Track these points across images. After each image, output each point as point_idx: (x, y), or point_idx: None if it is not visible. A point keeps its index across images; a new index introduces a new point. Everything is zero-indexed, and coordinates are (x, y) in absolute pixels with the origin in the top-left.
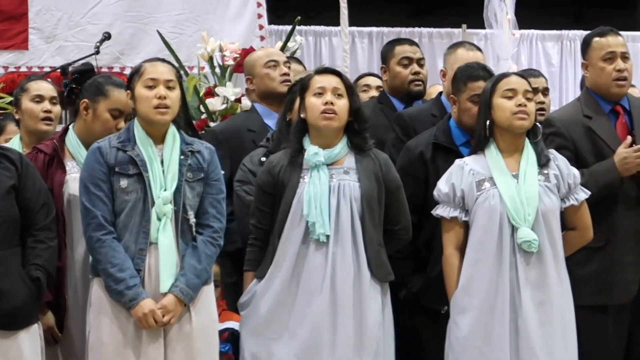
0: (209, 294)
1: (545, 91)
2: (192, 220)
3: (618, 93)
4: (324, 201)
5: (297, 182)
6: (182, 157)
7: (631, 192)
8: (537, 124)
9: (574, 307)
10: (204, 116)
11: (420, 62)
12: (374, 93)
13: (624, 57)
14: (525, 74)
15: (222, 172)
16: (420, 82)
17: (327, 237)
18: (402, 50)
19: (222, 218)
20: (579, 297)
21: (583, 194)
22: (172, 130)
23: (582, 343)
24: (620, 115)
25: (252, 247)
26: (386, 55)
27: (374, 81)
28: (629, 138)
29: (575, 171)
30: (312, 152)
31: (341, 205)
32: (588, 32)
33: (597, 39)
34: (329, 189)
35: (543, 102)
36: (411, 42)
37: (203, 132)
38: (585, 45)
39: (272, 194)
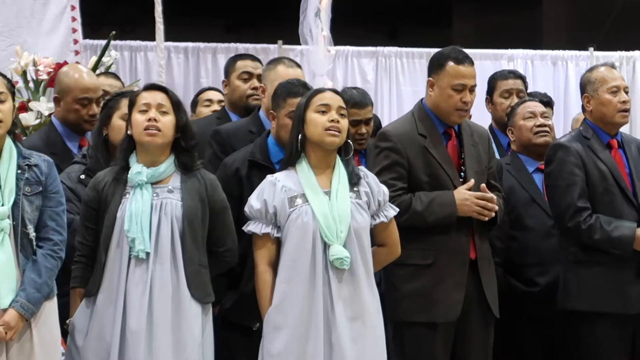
0: (51, 309)
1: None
2: (32, 234)
3: (456, 121)
4: (144, 218)
5: (120, 199)
6: (19, 171)
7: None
8: (349, 141)
9: (401, 323)
10: (17, 131)
11: (260, 77)
12: (217, 107)
13: (472, 89)
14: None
15: None
16: (259, 97)
17: (147, 254)
18: (243, 64)
19: (63, 230)
20: (405, 313)
21: (392, 211)
22: (9, 144)
23: (408, 359)
24: (452, 138)
25: (79, 264)
26: (228, 69)
27: (215, 95)
28: (472, 181)
29: (385, 188)
30: (135, 170)
31: (162, 222)
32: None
33: (452, 64)
34: (150, 207)
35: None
36: (253, 58)
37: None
38: (439, 65)
39: (96, 210)
